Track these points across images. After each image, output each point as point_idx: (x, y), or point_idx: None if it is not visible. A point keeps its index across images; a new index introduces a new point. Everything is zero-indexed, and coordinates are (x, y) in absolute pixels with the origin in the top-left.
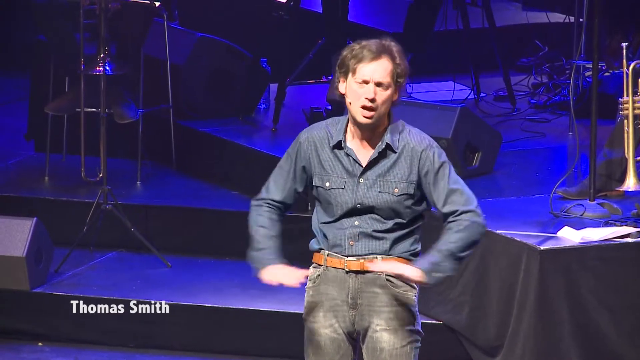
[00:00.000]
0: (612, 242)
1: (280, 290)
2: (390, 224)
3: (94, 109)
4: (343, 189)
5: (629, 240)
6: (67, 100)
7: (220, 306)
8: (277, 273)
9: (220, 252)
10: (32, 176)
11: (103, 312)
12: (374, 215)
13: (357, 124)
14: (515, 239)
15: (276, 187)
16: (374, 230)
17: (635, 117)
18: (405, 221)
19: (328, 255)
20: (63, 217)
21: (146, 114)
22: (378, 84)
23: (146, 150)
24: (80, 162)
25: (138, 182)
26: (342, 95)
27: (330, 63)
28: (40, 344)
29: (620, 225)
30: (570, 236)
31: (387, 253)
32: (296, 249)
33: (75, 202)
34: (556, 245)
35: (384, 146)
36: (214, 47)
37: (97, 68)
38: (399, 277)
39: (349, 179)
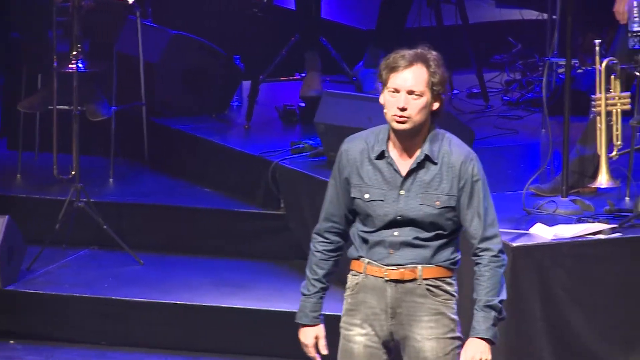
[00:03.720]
0: (584, 239)
1: (253, 287)
2: (431, 234)
3: (66, 107)
4: (383, 200)
5: (602, 237)
6: (39, 97)
7: (193, 304)
8: (307, 342)
9: (193, 249)
10: (4, 174)
11: (75, 310)
12: (415, 228)
13: (394, 132)
14: None
15: (327, 211)
16: (415, 239)
17: (607, 113)
18: (446, 232)
19: (368, 263)
20: (35, 215)
21: (119, 112)
22: (410, 92)
23: (119, 147)
24: (53, 159)
25: (111, 180)
26: (383, 107)
27: (303, 60)
28: (12, 341)
29: (593, 222)
30: (542, 233)
31: (427, 262)
32: (269, 245)
33: (48, 200)
34: (529, 242)
35: (423, 157)
36: (187, 44)
37: (70, 65)
38: None
39: (389, 190)
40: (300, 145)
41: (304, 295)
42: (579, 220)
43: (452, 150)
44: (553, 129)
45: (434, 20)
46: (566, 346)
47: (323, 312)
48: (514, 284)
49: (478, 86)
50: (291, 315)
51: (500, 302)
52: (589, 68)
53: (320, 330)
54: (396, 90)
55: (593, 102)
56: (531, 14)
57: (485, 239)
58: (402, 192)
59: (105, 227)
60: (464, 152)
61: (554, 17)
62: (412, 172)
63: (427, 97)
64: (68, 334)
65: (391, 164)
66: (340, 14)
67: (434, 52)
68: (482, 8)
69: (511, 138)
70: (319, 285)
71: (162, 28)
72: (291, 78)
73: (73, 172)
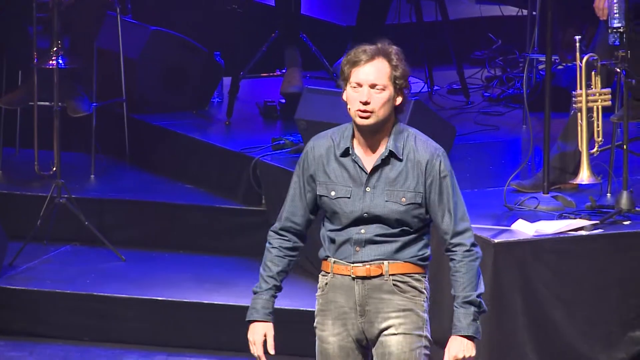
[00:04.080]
0: (566, 235)
1: (234, 283)
2: (397, 230)
3: (47, 103)
4: (349, 197)
5: (583, 233)
6: (20, 93)
7: (174, 300)
8: (255, 339)
9: (175, 245)
10: None
11: (57, 305)
12: (381, 224)
13: (359, 129)
14: None
15: (288, 210)
16: (380, 235)
17: (588, 109)
18: (412, 229)
19: (334, 262)
20: (17, 211)
21: (100, 108)
22: (372, 86)
23: (100, 144)
24: (34, 155)
25: (92, 176)
26: (347, 103)
27: (283, 56)
28: None
29: (574, 218)
30: (524, 229)
31: (394, 258)
32: (250, 241)
33: (29, 196)
34: (510, 239)
35: (387, 153)
36: (167, 40)
37: (50, 62)
38: None
39: (355, 187)
40: (281, 142)
41: (255, 293)
42: (560, 217)
43: (418, 146)
44: (534, 125)
45: (414, 17)
46: (548, 341)
47: (305, 309)
48: (495, 280)
49: (458, 82)
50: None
51: (479, 296)
52: (570, 64)
53: (269, 328)
54: (359, 85)
55: (574, 98)
56: (511, 10)
57: (456, 233)
58: (367, 189)
59: (86, 223)
60: (430, 149)
61: (534, 13)
62: (376, 168)
63: (389, 91)
64: (50, 329)
65: (356, 161)
66: (320, 10)
67: (394, 47)
68: (462, 4)
69: (492, 134)
70: (272, 282)
71: (141, 24)
72: (271, 74)
73: (54, 168)
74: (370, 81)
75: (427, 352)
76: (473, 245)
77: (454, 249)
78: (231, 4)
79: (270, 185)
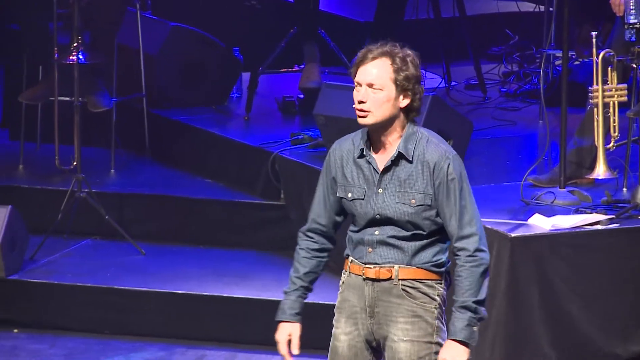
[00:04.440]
0: (582, 230)
1: (252, 277)
2: (409, 233)
3: (67, 98)
4: (363, 199)
5: (599, 227)
6: (41, 89)
7: (193, 293)
8: (280, 338)
9: (194, 239)
10: (7, 164)
11: (78, 299)
12: (394, 227)
13: (370, 131)
14: (487, 226)
15: (314, 211)
16: (392, 237)
17: (604, 105)
18: (425, 232)
19: (351, 261)
20: (38, 205)
21: (120, 103)
22: (370, 86)
23: (120, 138)
24: (55, 150)
25: (112, 170)
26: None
27: (302, 52)
28: (15, 330)
29: (591, 213)
30: (540, 223)
31: (405, 263)
32: (269, 235)
33: (50, 190)
34: (527, 233)
35: (396, 154)
36: (187, 36)
37: (71, 57)
38: None
39: (369, 189)
40: (300, 137)
41: (284, 293)
42: (576, 211)
43: (428, 149)
44: (550, 120)
45: (431, 13)
46: (564, 335)
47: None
48: (512, 273)
49: (476, 78)
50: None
51: (477, 302)
52: (586, 60)
53: (295, 328)
54: (359, 84)
55: (590, 94)
56: (528, 6)
57: (461, 237)
58: (380, 190)
59: (107, 217)
60: (439, 151)
61: (551, 9)
62: (388, 169)
63: (388, 91)
64: (70, 322)
65: (370, 162)
66: (338, 6)
67: (405, 50)
68: (480, 0)
69: (509, 129)
70: (299, 283)
71: (161, 20)
72: (290, 70)
73: (75, 163)
74: (367, 81)
75: (437, 354)
76: (478, 250)
77: (457, 253)
78: (250, 0)
79: (289, 180)
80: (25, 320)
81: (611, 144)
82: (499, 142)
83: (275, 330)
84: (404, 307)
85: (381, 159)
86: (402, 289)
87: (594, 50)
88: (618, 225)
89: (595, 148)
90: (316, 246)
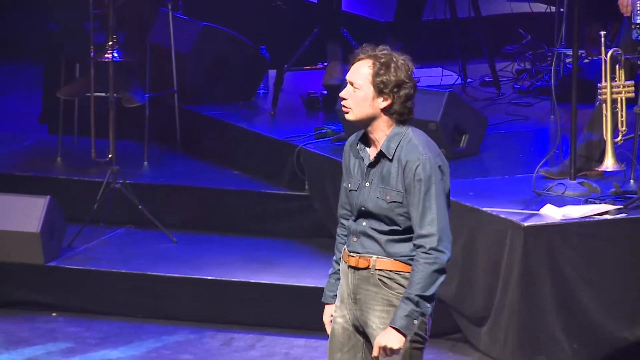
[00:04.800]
0: (591, 219)
1: (279, 264)
2: (387, 228)
3: (103, 94)
4: (356, 190)
5: (608, 217)
6: (78, 85)
7: (222, 279)
8: (324, 320)
9: (223, 228)
10: (46, 157)
11: (113, 284)
12: (375, 220)
13: (361, 127)
14: (501, 216)
15: (342, 198)
16: (373, 230)
17: (613, 101)
18: (401, 228)
19: (345, 249)
20: (75, 196)
21: (152, 99)
22: (351, 83)
23: (153, 132)
24: (91, 143)
25: (145, 163)
26: None
27: (325, 50)
28: (54, 314)
29: (600, 203)
30: (552, 213)
31: (383, 254)
32: (294, 224)
33: (86, 182)
34: (539, 222)
35: (378, 152)
36: (216, 35)
37: (106, 55)
38: (387, 351)
39: (361, 182)
40: (323, 131)
41: (328, 276)
42: (586, 202)
43: (406, 149)
44: (561, 115)
45: (448, 13)
46: (574, 319)
47: None
48: (524, 261)
49: (490, 75)
50: (315, 290)
51: (421, 297)
52: (595, 58)
53: (330, 309)
54: (347, 81)
55: (599, 90)
56: (540, 7)
57: (420, 236)
58: (367, 183)
59: (140, 207)
60: (414, 153)
61: (562, 9)
62: (374, 165)
63: (365, 92)
64: (106, 307)
65: (363, 157)
66: (360, 6)
67: (394, 55)
68: (494, 1)
69: (522, 124)
70: (336, 267)
71: (192, 20)
72: (314, 67)
73: (110, 156)
74: (349, 79)
75: (416, 346)
76: (434, 249)
77: (416, 249)
78: (276, 1)
79: (313, 172)
80: (63, 305)
81: (619, 138)
82: (513, 136)
83: (298, 315)
84: (380, 296)
85: (371, 155)
86: (379, 279)
87: (603, 48)
88: (625, 215)
89: (604, 142)
90: (346, 231)
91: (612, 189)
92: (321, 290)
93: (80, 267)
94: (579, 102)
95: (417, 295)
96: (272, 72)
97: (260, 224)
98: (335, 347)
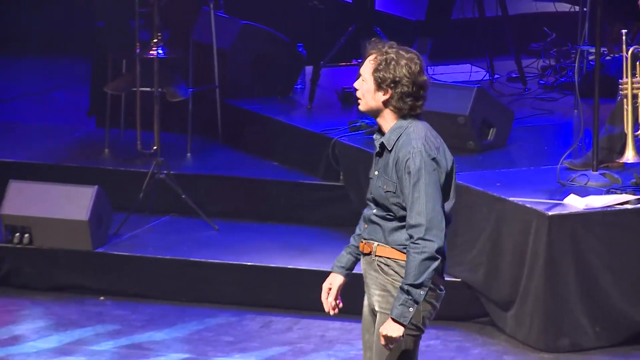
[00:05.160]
0: (613, 209)
1: (315, 250)
2: (386, 214)
3: (148, 89)
4: (372, 178)
5: (629, 206)
6: (124, 81)
7: (262, 265)
8: (323, 286)
9: (262, 216)
10: (94, 149)
11: (157, 269)
12: (379, 207)
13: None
14: (526, 205)
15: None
16: (376, 216)
17: (633, 96)
18: (395, 216)
19: None
20: (121, 186)
21: (195, 93)
22: (360, 75)
23: (195, 125)
24: (137, 136)
25: (188, 154)
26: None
27: (359, 48)
28: (102, 298)
29: (621, 193)
30: (575, 203)
31: (383, 241)
32: (329, 213)
33: (132, 172)
34: (563, 211)
35: (380, 143)
36: (256, 33)
37: (151, 52)
38: (388, 341)
39: (373, 170)
40: (357, 124)
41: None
42: (608, 192)
43: (403, 142)
44: (584, 110)
45: (476, 12)
46: (596, 304)
47: None
48: (549, 249)
49: (517, 71)
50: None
51: (411, 285)
52: (617, 55)
53: (335, 280)
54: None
55: (620, 86)
56: (564, 7)
57: (410, 226)
58: (376, 172)
59: (183, 196)
60: (407, 146)
61: (585, 9)
62: (379, 155)
63: (369, 85)
64: (150, 291)
65: (375, 147)
66: (393, 6)
67: (400, 53)
68: (521, 1)
69: (547, 118)
70: (352, 242)
71: (233, 18)
72: (349, 64)
73: (155, 147)
74: (360, 71)
75: (410, 332)
76: (421, 239)
77: (409, 240)
78: (313, 1)
79: (348, 163)
80: (110, 289)
81: (639, 131)
82: (538, 130)
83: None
84: (379, 281)
85: (378, 145)
86: (377, 264)
87: (624, 46)
88: None
89: (625, 135)
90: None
91: (633, 179)
92: (356, 276)
93: (127, 254)
94: (601, 97)
95: (407, 284)
96: (308, 69)
97: (297, 213)
98: (364, 328)
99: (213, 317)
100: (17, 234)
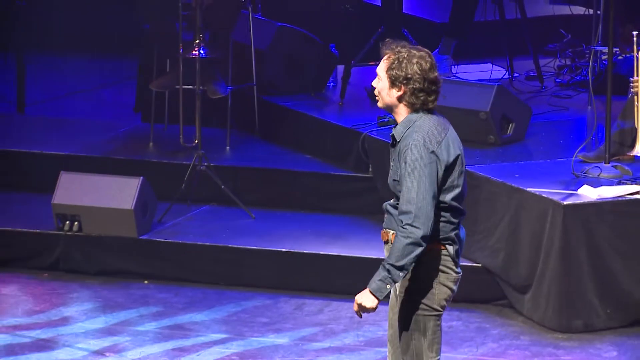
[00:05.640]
0: (624, 199)
1: (346, 237)
2: (397, 204)
3: (190, 86)
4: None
5: (638, 196)
6: (168, 79)
7: (295, 251)
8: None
9: (296, 205)
10: (139, 142)
11: (198, 255)
12: (393, 197)
13: None
14: (543, 195)
15: None
16: (391, 207)
17: None
18: None
19: None
20: (165, 177)
21: (234, 91)
22: (377, 74)
23: (234, 121)
24: (179, 130)
25: (227, 147)
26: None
27: None
28: (146, 281)
29: (631, 184)
30: (588, 193)
31: (396, 229)
32: (359, 203)
33: (175, 164)
34: (577, 201)
35: (391, 134)
36: (291, 34)
37: (193, 52)
38: (361, 309)
39: (391, 161)
40: (385, 120)
41: None
42: (619, 183)
43: (407, 135)
44: (597, 106)
45: (497, 15)
46: (608, 287)
47: None
48: (564, 236)
49: (535, 70)
50: (377, 261)
51: (392, 265)
52: (628, 55)
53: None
54: None
55: (631, 84)
56: (579, 10)
57: (401, 212)
58: (391, 163)
59: (223, 187)
60: (408, 139)
61: (599, 12)
62: (393, 147)
63: (383, 82)
64: (192, 275)
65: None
66: (419, 9)
67: (412, 52)
68: (538, 4)
69: (562, 114)
70: None
71: (270, 21)
72: (378, 63)
73: (196, 141)
74: (377, 70)
75: (422, 314)
76: (409, 225)
77: (402, 227)
78: (344, 4)
79: (376, 156)
80: (154, 273)
81: None
82: (554, 125)
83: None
84: None
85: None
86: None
87: (635, 47)
88: None
89: (635, 130)
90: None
91: None
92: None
93: (169, 240)
94: (614, 95)
95: (389, 264)
96: (340, 67)
97: (329, 202)
98: (390, 308)
99: (249, 299)
100: (67, 222)
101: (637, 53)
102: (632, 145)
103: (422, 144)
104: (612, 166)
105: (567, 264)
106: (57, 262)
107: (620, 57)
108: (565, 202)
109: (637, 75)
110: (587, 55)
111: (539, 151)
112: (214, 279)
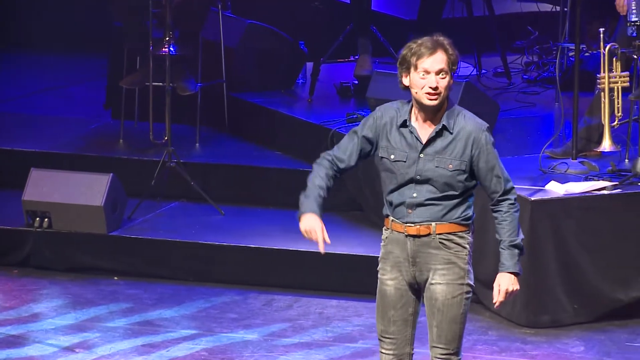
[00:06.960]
0: (591, 194)
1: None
2: (443, 194)
3: (160, 83)
4: (405, 162)
5: (605, 192)
6: (138, 76)
7: (264, 247)
8: (308, 225)
9: (265, 202)
10: (109, 139)
11: (168, 251)
12: (430, 187)
13: (422, 107)
14: None
15: (343, 147)
16: (429, 200)
17: (610, 89)
18: (457, 193)
19: (392, 220)
20: (135, 173)
21: (204, 88)
22: (438, 73)
23: (204, 117)
24: (149, 127)
25: (197, 144)
26: (407, 87)
27: (356, 45)
28: (115, 278)
29: (598, 180)
30: (556, 189)
31: (440, 219)
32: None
33: (145, 161)
34: (544, 197)
35: (440, 127)
36: (260, 32)
37: (163, 49)
38: (510, 295)
39: (411, 153)
40: (354, 116)
41: (304, 197)
42: (586, 179)
43: (467, 122)
44: (565, 102)
45: (465, 12)
46: (575, 283)
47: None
48: (531, 231)
49: (502, 67)
50: (347, 257)
51: (521, 240)
52: (595, 52)
53: (316, 217)
54: (427, 72)
55: (598, 80)
56: (546, 7)
57: (506, 192)
58: (421, 155)
59: (192, 183)
60: (477, 124)
61: (565, 9)
62: (431, 139)
63: (449, 77)
64: (162, 271)
65: (412, 132)
66: (387, 5)
67: (447, 40)
68: (506, 2)
69: (530, 110)
70: (319, 190)
71: (239, 18)
72: (347, 60)
73: (166, 138)
74: (436, 69)
75: (469, 296)
76: (516, 199)
77: (501, 203)
78: (314, 2)
79: None
80: (124, 270)
81: (615, 122)
82: (521, 121)
83: (332, 279)
84: (440, 257)
85: (424, 130)
86: (440, 242)
87: (602, 43)
88: (621, 190)
89: (602, 126)
90: (333, 173)
91: (609, 167)
92: (352, 257)
93: (139, 237)
94: (581, 91)
95: (521, 240)
96: (309, 64)
97: (298, 199)
98: (389, 305)
99: (219, 295)
100: (38, 219)
101: (604, 50)
102: (599, 142)
103: (488, 126)
104: (580, 162)
105: (535, 260)
106: (27, 259)
107: (587, 54)
108: (532, 198)
109: (604, 72)
110: (554, 52)
111: (506, 147)
112: (183, 275)
